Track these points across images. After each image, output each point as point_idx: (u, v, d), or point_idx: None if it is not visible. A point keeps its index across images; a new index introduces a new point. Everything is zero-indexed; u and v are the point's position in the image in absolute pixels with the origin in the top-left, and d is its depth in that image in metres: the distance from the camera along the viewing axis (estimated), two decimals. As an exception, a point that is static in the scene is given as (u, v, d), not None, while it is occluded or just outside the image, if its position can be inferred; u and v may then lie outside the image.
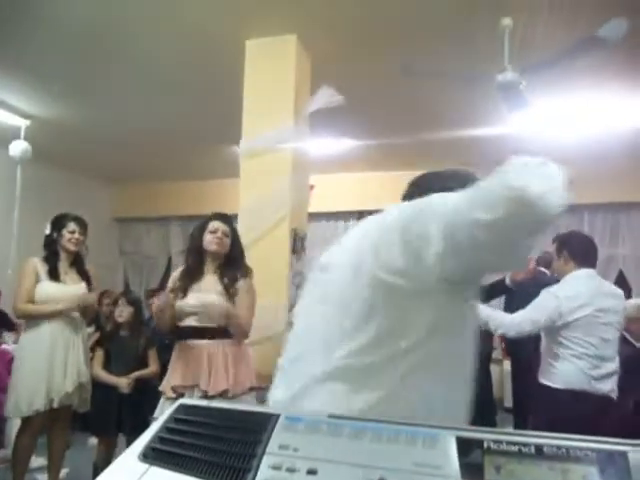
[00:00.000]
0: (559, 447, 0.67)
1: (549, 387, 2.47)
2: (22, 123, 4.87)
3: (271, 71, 3.31)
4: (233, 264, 2.47)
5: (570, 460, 0.66)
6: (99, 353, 3.16)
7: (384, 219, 1.02)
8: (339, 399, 0.93)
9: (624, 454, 0.64)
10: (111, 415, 3.00)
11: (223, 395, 2.28)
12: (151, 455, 0.74)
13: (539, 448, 0.67)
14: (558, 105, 4.22)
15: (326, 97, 3.28)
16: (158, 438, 0.77)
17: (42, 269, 2.87)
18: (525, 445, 0.67)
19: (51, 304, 2.81)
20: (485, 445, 0.68)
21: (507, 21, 3.02)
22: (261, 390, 2.53)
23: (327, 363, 0.96)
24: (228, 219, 2.54)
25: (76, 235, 2.94)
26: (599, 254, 2.80)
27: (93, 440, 3.89)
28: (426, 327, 0.93)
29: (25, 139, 4.86)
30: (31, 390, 2.72)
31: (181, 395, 2.25)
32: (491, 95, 3.31)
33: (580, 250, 2.63)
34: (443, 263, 0.89)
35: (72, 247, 2.94)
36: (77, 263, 3.03)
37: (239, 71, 3.31)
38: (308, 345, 1.03)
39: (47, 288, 2.83)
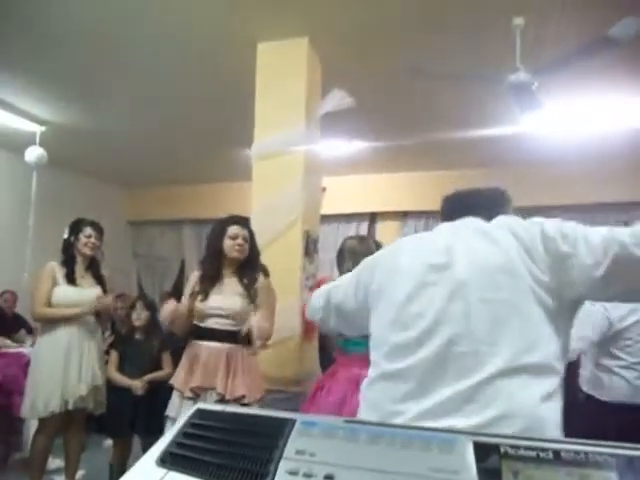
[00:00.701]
0: (577, 452, 0.66)
1: (599, 400, 2.29)
2: (37, 129, 4.93)
3: (283, 74, 3.32)
4: (251, 265, 2.49)
5: (589, 465, 0.65)
6: (114, 355, 3.20)
7: (522, 233, 1.10)
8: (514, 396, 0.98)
9: (644, 459, 0.64)
10: (125, 417, 3.04)
11: (238, 400, 2.28)
12: (169, 460, 0.75)
13: (557, 453, 0.67)
14: (571, 105, 4.18)
15: (337, 99, 3.29)
16: (175, 443, 0.78)
17: (59, 273, 2.92)
18: (543, 450, 0.67)
19: (69, 307, 2.86)
20: (502, 450, 0.68)
21: (519, 21, 2.99)
22: (272, 393, 2.54)
23: (495, 364, 1.00)
24: (247, 222, 2.56)
25: (92, 240, 2.99)
26: None
27: (109, 442, 3.93)
28: (564, 342, 1.06)
29: (40, 145, 4.93)
30: (47, 392, 2.76)
31: (198, 396, 2.27)
32: (503, 96, 3.29)
33: None
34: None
35: (88, 251, 3.00)
36: (93, 267, 3.08)
37: (251, 74, 3.33)
38: (454, 347, 1.04)
39: (64, 291, 2.89)
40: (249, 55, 3.33)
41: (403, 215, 6.46)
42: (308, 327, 3.13)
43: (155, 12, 3.13)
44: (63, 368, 2.80)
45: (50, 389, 2.77)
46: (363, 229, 6.56)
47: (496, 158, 5.49)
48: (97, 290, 3.01)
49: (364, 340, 2.27)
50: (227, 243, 2.44)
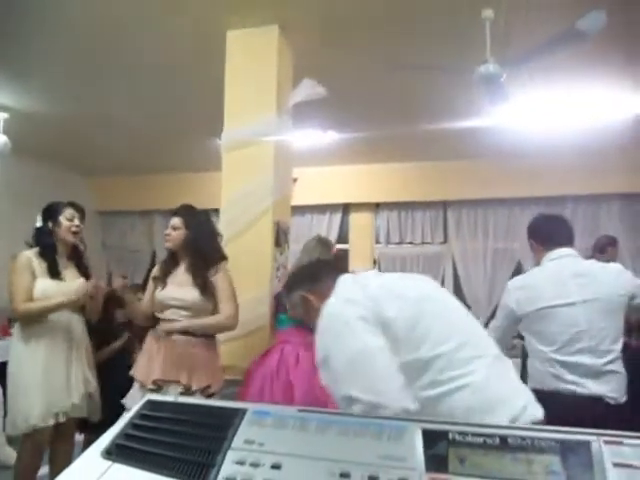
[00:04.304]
0: (523, 438, 0.67)
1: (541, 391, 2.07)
2: (0, 116, 4.78)
3: (253, 62, 3.27)
4: (202, 255, 2.43)
5: (534, 450, 0.66)
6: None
7: None
8: None
9: (587, 444, 0.65)
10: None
11: (204, 391, 2.27)
12: (115, 452, 0.73)
13: (504, 439, 0.67)
14: (540, 97, 4.23)
15: (308, 89, 3.26)
16: (123, 434, 0.76)
17: (38, 265, 2.53)
18: (490, 436, 0.68)
19: (55, 298, 2.48)
20: (450, 437, 0.68)
21: (488, 12, 3.01)
22: (241, 384, 2.54)
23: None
24: (181, 211, 2.50)
25: (76, 222, 2.59)
26: (582, 244, 2.61)
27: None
28: None
29: (3, 132, 4.77)
30: (27, 405, 2.43)
31: (161, 387, 2.25)
32: (476, 88, 3.31)
33: (544, 231, 2.35)
34: None
35: (71, 237, 2.60)
36: (75, 256, 2.71)
37: (221, 62, 3.27)
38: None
39: (46, 286, 2.51)
40: (219, 43, 3.27)
41: (376, 206, 6.49)
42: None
43: (122, 1, 3.05)
44: (45, 378, 2.45)
45: (30, 402, 2.42)
46: (336, 220, 6.56)
47: (469, 150, 5.53)
48: (82, 282, 2.63)
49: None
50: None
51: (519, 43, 3.07)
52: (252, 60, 3.27)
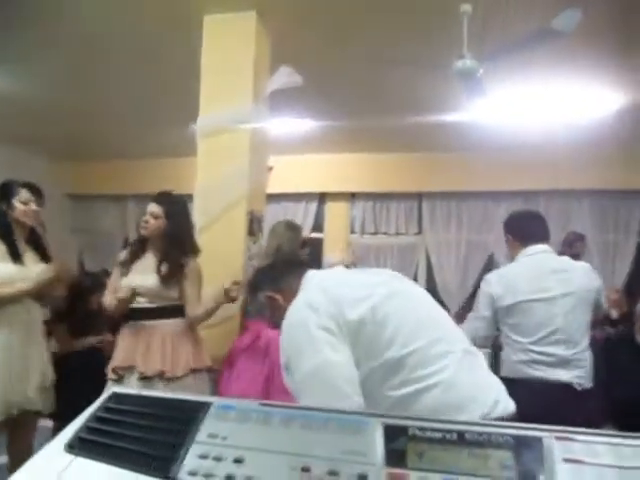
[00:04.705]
0: (480, 434, 0.69)
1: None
2: (-36, 95, 4.62)
3: (230, 48, 3.23)
4: (177, 247, 2.40)
5: (491, 446, 0.68)
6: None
7: None
8: None
9: (539, 440, 0.67)
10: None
11: (161, 376, 2.23)
12: (78, 445, 0.73)
13: (461, 434, 0.69)
14: (517, 92, 4.28)
15: (285, 77, 3.24)
16: (87, 428, 0.76)
17: None
18: (448, 432, 0.70)
19: (15, 285, 2.34)
20: (410, 432, 0.70)
21: (466, 7, 3.02)
22: (211, 372, 2.53)
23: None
24: (162, 198, 2.46)
25: (32, 207, 2.45)
26: (555, 238, 2.66)
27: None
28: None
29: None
30: None
31: (122, 377, 2.24)
32: (455, 81, 3.33)
33: (521, 227, 2.39)
34: None
35: (28, 221, 2.46)
36: (33, 239, 2.57)
37: (197, 47, 3.23)
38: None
39: (7, 270, 2.36)
40: (195, 27, 3.22)
41: (352, 196, 6.50)
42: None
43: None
44: (1, 369, 2.30)
45: None
46: (312, 209, 6.55)
47: (445, 143, 5.57)
48: (43, 266, 2.51)
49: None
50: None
51: (496, 38, 3.09)
52: (229, 46, 3.23)
